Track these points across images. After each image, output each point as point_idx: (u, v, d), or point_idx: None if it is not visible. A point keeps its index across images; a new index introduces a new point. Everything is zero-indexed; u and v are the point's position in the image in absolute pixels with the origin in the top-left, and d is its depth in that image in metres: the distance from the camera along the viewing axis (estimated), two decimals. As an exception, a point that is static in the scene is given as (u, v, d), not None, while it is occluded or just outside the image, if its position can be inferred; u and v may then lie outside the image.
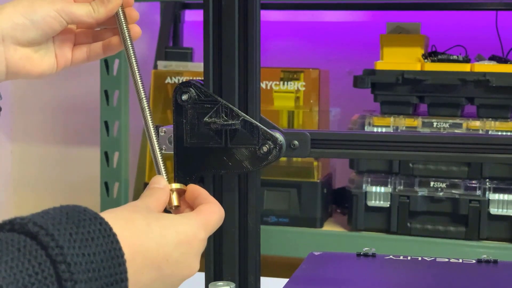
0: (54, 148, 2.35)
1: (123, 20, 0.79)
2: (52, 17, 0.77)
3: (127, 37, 0.78)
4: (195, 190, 0.73)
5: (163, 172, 0.73)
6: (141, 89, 0.75)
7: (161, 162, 0.74)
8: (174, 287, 0.64)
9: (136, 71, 0.75)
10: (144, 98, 0.74)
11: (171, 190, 0.72)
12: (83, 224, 0.55)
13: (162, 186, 0.71)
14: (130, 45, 0.77)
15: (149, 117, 0.74)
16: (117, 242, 0.56)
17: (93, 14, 0.78)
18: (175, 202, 0.72)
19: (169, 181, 0.73)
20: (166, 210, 0.72)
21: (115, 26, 0.79)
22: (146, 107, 0.74)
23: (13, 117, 2.34)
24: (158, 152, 0.74)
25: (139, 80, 0.75)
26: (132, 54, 0.76)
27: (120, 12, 0.79)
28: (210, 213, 0.68)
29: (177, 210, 0.72)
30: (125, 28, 0.78)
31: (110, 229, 0.56)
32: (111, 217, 0.59)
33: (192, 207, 0.72)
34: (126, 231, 0.59)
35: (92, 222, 0.56)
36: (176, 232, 0.63)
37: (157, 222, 0.63)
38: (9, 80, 0.81)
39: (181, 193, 0.73)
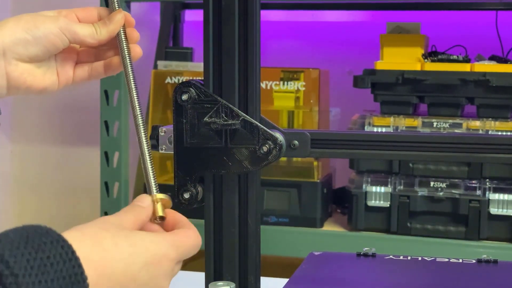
0: (54, 148, 2.35)
1: (123, 40, 0.78)
2: (55, 34, 0.77)
3: (127, 57, 0.77)
4: (175, 217, 0.71)
5: (154, 191, 0.72)
6: (137, 107, 0.73)
7: (152, 182, 0.72)
8: None
9: (134, 90, 0.74)
10: (139, 116, 0.73)
11: (156, 200, 0.70)
12: (42, 248, 0.54)
13: (145, 206, 0.69)
14: (129, 65, 0.76)
15: (143, 134, 0.73)
16: (80, 266, 0.55)
17: (96, 36, 0.78)
18: (160, 212, 0.70)
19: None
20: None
21: (117, 46, 0.79)
22: (141, 126, 0.73)
23: (13, 117, 2.34)
24: (151, 171, 0.73)
25: (135, 98, 0.74)
26: (130, 73, 0.75)
27: (122, 32, 0.78)
28: (184, 236, 0.67)
29: (161, 222, 0.70)
30: (125, 48, 0.78)
31: (73, 252, 0.55)
32: (77, 236, 0.58)
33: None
34: (93, 253, 0.58)
35: (53, 245, 0.54)
36: (145, 252, 0.62)
37: (126, 240, 0.61)
38: (11, 96, 0.80)
39: (166, 205, 0.71)
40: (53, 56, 0.80)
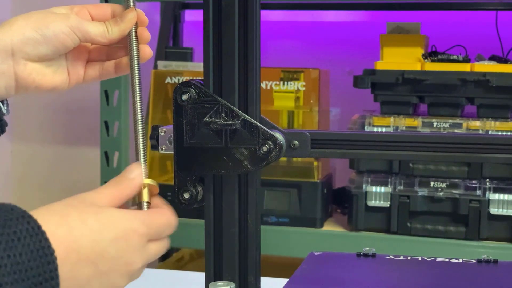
0: (54, 148, 2.35)
1: (133, 40, 0.77)
2: (65, 33, 0.75)
3: (135, 57, 0.76)
4: (154, 201, 0.71)
5: (143, 175, 0.72)
6: (139, 109, 0.73)
7: (143, 167, 0.72)
8: (114, 285, 0.63)
9: (138, 93, 0.74)
10: (139, 121, 0.73)
11: (144, 185, 0.71)
12: (9, 224, 0.55)
13: (132, 177, 0.69)
14: (136, 66, 0.75)
15: (141, 138, 0.73)
16: (46, 240, 0.56)
17: (107, 35, 0.77)
18: (145, 197, 0.71)
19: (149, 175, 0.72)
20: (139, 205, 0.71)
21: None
22: (140, 131, 0.73)
23: (13, 117, 2.33)
24: (142, 155, 0.73)
25: (138, 101, 0.74)
26: (136, 75, 0.75)
27: (133, 31, 0.77)
28: (158, 214, 0.67)
29: (147, 206, 0.71)
30: (134, 49, 0.76)
31: (39, 227, 0.56)
32: (44, 213, 0.59)
33: None
34: (59, 229, 0.58)
35: (19, 221, 0.55)
36: (113, 227, 0.62)
37: (94, 217, 0.62)
38: (20, 94, 0.79)
39: (153, 190, 0.72)
40: (64, 54, 0.79)
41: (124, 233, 0.63)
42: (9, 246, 0.53)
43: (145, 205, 0.71)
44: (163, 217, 0.68)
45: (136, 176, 0.69)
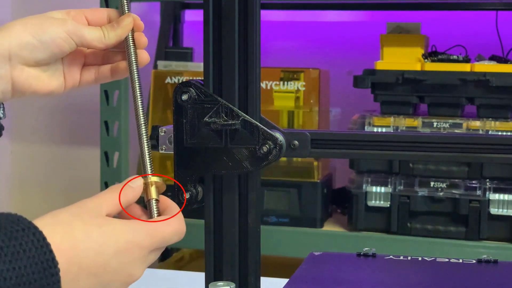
0: (54, 148, 2.35)
1: (131, 45, 0.77)
2: (62, 38, 0.75)
3: (133, 63, 0.76)
4: (165, 202, 0.72)
5: (149, 173, 0.72)
6: (141, 115, 0.73)
7: (148, 164, 0.73)
8: None
9: (139, 97, 0.74)
10: (143, 125, 0.73)
11: (150, 182, 0.71)
12: (15, 236, 0.55)
13: (135, 186, 0.70)
14: (135, 71, 0.75)
15: (145, 139, 0.73)
16: (51, 252, 0.57)
17: (104, 40, 0.77)
18: (153, 195, 0.71)
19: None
20: (144, 204, 0.71)
21: (124, 49, 0.78)
22: (144, 133, 0.73)
23: (13, 117, 2.34)
24: (147, 154, 0.73)
25: (140, 106, 0.74)
26: (136, 80, 0.75)
27: (130, 37, 0.77)
28: (163, 224, 0.68)
29: (156, 203, 0.71)
30: (132, 54, 0.77)
31: (44, 239, 0.57)
32: (50, 223, 0.59)
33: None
34: (63, 242, 0.59)
35: (25, 233, 0.56)
36: (116, 240, 0.63)
37: (98, 230, 0.62)
38: (15, 98, 0.79)
39: (160, 188, 0.72)
40: (60, 59, 0.79)
41: (127, 247, 0.64)
42: (15, 258, 0.54)
43: (153, 203, 0.71)
44: (169, 227, 0.68)
45: (138, 186, 0.70)
